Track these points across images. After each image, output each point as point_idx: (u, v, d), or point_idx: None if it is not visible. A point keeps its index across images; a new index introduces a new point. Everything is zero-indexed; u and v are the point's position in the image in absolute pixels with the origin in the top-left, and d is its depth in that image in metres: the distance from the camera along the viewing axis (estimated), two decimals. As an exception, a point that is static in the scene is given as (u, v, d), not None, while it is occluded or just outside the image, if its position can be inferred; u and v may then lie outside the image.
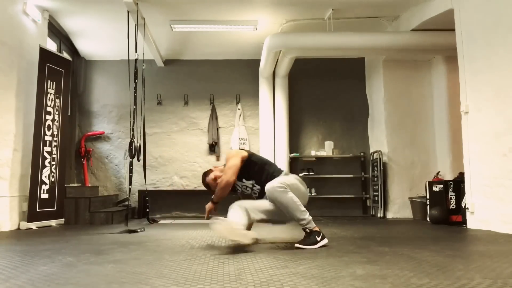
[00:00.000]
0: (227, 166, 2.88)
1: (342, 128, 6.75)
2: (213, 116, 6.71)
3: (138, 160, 4.91)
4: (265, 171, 2.91)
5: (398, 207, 5.99)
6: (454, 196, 4.84)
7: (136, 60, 5.00)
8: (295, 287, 1.57)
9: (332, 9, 5.17)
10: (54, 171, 4.83)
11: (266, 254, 2.44)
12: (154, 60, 6.55)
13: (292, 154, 6.40)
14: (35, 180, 4.54)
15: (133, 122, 4.83)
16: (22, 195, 4.57)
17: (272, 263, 2.13)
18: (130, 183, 4.75)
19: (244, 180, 2.94)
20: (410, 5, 5.16)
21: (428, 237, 3.49)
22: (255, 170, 2.92)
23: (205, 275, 1.83)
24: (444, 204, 4.84)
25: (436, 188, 4.97)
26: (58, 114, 4.95)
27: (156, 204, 6.43)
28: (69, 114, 5.47)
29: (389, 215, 6.00)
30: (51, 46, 5.55)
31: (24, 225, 4.40)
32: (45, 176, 4.70)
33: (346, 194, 6.42)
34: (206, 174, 3.07)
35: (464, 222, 4.35)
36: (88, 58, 6.72)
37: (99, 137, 6.66)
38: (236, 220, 2.57)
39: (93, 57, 6.71)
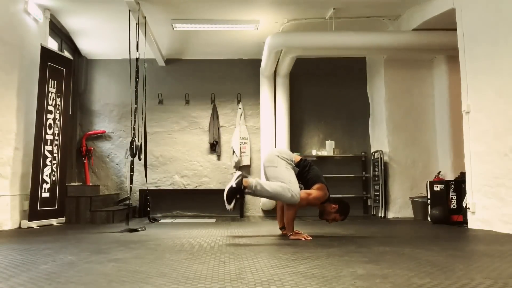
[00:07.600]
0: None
1: (343, 127, 6.74)
2: (214, 115, 6.71)
3: (139, 159, 4.91)
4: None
5: (399, 207, 5.98)
6: (455, 196, 4.83)
7: (137, 59, 5.01)
8: (296, 287, 1.57)
9: (334, 9, 5.18)
10: (55, 170, 4.84)
11: (267, 254, 2.44)
12: (155, 59, 6.55)
13: (293, 154, 6.38)
14: (36, 179, 4.54)
15: (134, 121, 4.83)
16: (23, 193, 4.58)
17: (272, 262, 2.13)
18: (131, 182, 4.75)
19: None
20: (411, 4, 5.15)
21: (429, 237, 3.49)
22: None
23: (206, 274, 1.83)
24: (445, 204, 4.83)
25: (437, 188, 4.97)
26: (59, 113, 4.95)
27: (157, 203, 6.43)
28: (70, 113, 5.48)
29: (390, 214, 6.00)
30: (53, 45, 5.55)
31: (25, 224, 4.41)
32: (46, 175, 4.70)
33: (347, 194, 6.41)
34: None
35: (465, 222, 4.35)
36: (90, 57, 6.73)
37: (100, 136, 6.66)
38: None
39: (95, 56, 6.71)
